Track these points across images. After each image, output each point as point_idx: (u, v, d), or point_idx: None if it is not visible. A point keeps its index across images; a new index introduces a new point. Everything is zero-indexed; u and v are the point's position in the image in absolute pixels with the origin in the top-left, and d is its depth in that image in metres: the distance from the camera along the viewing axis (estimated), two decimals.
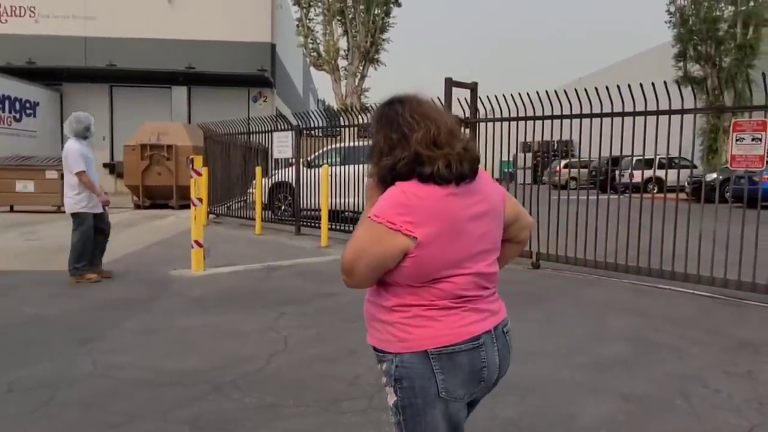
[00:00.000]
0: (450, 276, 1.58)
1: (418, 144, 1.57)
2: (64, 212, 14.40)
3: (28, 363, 3.95)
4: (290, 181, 11.49)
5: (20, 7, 21.37)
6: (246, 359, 4.05)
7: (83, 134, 6.63)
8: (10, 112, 19.63)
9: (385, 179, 1.61)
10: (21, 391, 3.48)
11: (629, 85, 6.43)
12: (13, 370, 3.80)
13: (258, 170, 11.31)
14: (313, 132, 11.55)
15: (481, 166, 1.68)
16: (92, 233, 6.56)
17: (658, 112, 6.35)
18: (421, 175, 1.55)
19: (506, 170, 13.93)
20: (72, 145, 6.52)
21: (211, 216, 12.94)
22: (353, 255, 1.56)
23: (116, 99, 22.70)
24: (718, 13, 22.78)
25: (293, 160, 11.34)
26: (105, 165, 22.40)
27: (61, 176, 14.51)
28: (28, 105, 20.67)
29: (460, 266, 1.58)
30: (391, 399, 1.63)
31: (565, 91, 6.74)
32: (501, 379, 1.75)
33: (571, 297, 6.15)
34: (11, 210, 14.48)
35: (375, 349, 1.68)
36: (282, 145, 11.50)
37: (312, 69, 24.31)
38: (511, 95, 7.86)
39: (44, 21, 21.35)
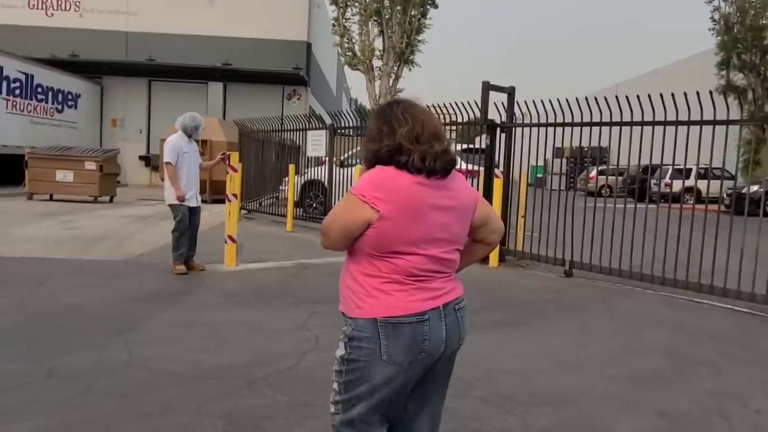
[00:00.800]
0: (405, 253, 1.83)
1: (402, 137, 1.85)
2: (101, 202, 14.78)
3: (67, 351, 4.03)
4: (322, 179, 11.55)
5: (66, 1, 21.92)
6: (278, 357, 4.08)
7: (190, 132, 6.79)
8: (52, 104, 20.13)
9: (370, 161, 1.91)
10: (60, 378, 3.56)
11: (672, 94, 6.29)
12: (53, 356, 3.89)
13: (291, 168, 11.39)
14: (346, 131, 11.60)
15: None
16: (186, 225, 6.73)
17: (701, 122, 6.21)
18: (398, 163, 1.84)
19: (538, 175, 13.81)
20: (173, 138, 6.74)
21: (243, 212, 13.07)
22: (330, 219, 1.88)
23: (154, 93, 23.13)
24: (764, 21, 22.19)
25: (326, 158, 11.39)
26: (141, 157, 22.85)
27: (100, 167, 14.88)
28: (70, 97, 21.17)
29: (416, 246, 1.83)
30: (339, 352, 1.90)
31: (605, 98, 6.64)
32: (455, 353, 1.97)
33: (604, 307, 6.06)
34: (51, 198, 14.83)
35: (343, 314, 1.93)
36: (315, 143, 11.57)
37: (346, 68, 24.37)
38: (549, 101, 7.78)
39: (88, 15, 21.86)
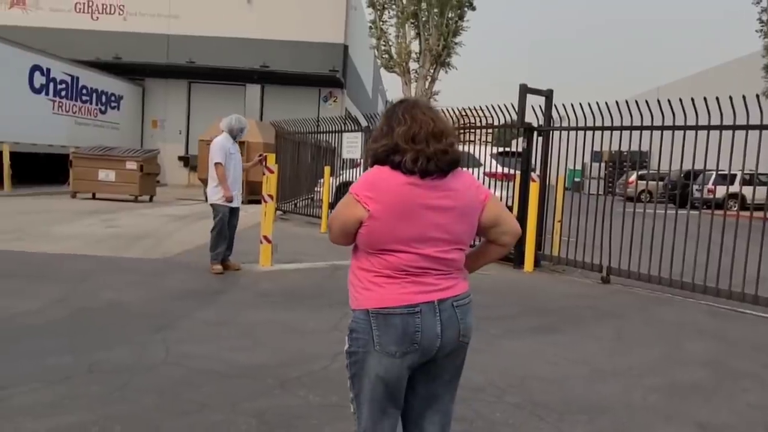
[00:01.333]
0: (396, 251, 1.86)
1: (398, 136, 1.88)
2: (141, 201, 15.12)
3: (108, 346, 4.13)
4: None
5: (111, 5, 22.52)
6: (311, 357, 4.10)
7: (236, 134, 6.92)
8: (96, 105, 20.70)
9: (370, 160, 1.96)
10: (100, 373, 3.65)
11: (717, 98, 6.12)
12: (93, 352, 3.99)
13: (326, 169, 11.46)
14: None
15: (459, 169, 1.95)
16: (225, 225, 6.84)
17: (747, 127, 6.03)
18: (392, 163, 1.87)
19: (575, 179, 13.59)
20: (220, 139, 6.85)
21: (278, 212, 13.20)
22: (332, 214, 1.96)
23: (194, 95, 23.57)
24: None
25: (361, 160, 11.44)
26: (180, 158, 23.29)
27: (140, 167, 15.23)
28: (113, 98, 21.74)
29: (407, 244, 1.86)
30: (345, 346, 1.96)
31: (647, 102, 6.50)
32: (459, 351, 1.97)
33: (643, 315, 5.92)
34: (93, 197, 15.23)
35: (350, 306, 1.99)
36: (351, 145, 11.62)
37: (382, 71, 24.44)
38: (588, 104, 7.66)
39: (131, 19, 22.41)
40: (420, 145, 1.86)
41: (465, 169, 2.03)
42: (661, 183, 18.54)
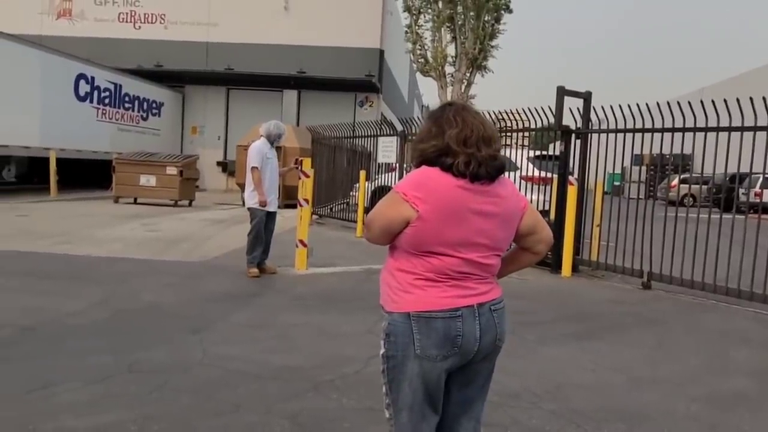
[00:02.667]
0: (441, 254, 1.84)
1: (450, 138, 1.86)
2: (181, 206, 15.42)
3: (147, 347, 4.22)
4: (393, 186, 11.58)
5: (152, 14, 23.09)
6: (345, 360, 4.10)
7: (274, 139, 7.01)
8: (138, 112, 21.24)
9: (417, 161, 1.94)
10: (140, 373, 3.72)
11: (764, 98, 5.92)
12: (133, 352, 4.07)
13: (362, 174, 11.50)
14: (415, 136, 11.60)
15: (503, 175, 1.94)
16: (262, 229, 6.93)
17: None
18: (443, 165, 1.85)
19: (615, 183, 13.33)
20: (257, 144, 6.95)
21: (314, 216, 13.30)
22: (373, 213, 1.92)
23: (232, 101, 23.97)
24: None
25: (396, 165, 11.44)
26: (218, 163, 23.70)
27: (180, 172, 15.54)
28: (154, 105, 22.27)
29: (452, 248, 1.84)
30: (381, 350, 1.93)
31: (689, 103, 6.33)
32: (493, 354, 1.97)
33: (685, 322, 5.76)
34: (135, 202, 15.61)
35: (382, 308, 1.96)
36: (387, 150, 11.63)
37: (418, 75, 24.44)
38: (628, 105, 7.50)
39: (172, 27, 22.94)
40: (471, 148, 1.84)
41: (506, 175, 2.01)
42: (704, 186, 18.06)
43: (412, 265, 1.88)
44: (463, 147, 1.84)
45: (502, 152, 2.06)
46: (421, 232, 1.82)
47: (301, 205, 7.54)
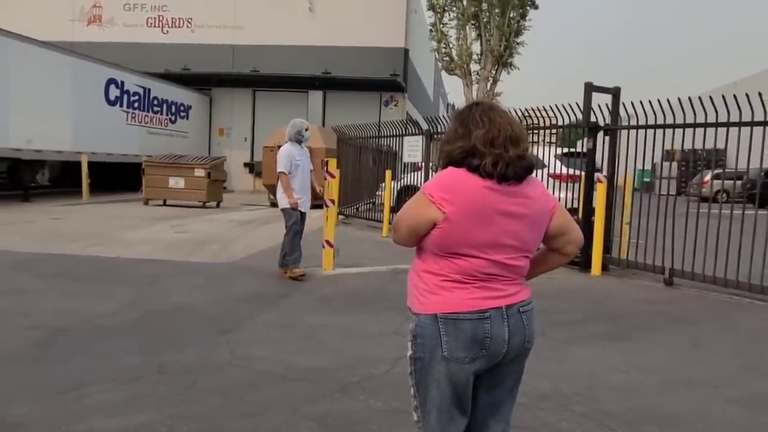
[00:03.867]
0: (468, 255, 1.82)
1: (477, 139, 1.83)
2: (209, 207, 15.60)
3: (175, 348, 4.26)
4: (419, 185, 11.55)
5: (179, 18, 23.39)
6: (372, 361, 4.09)
7: (296, 138, 7.02)
8: (166, 115, 21.55)
9: (444, 162, 1.92)
10: (169, 374, 3.76)
11: None
12: (162, 353, 4.12)
13: (387, 173, 11.48)
14: (442, 137, 11.54)
15: (531, 176, 1.90)
16: (299, 229, 6.94)
17: None
18: (470, 166, 1.82)
19: (645, 180, 13.08)
20: (284, 148, 6.97)
21: (340, 217, 13.33)
22: (400, 214, 1.91)
23: (258, 103, 24.16)
24: None
25: (422, 164, 11.39)
26: (245, 164, 23.92)
27: (208, 174, 15.72)
28: (182, 108, 22.57)
29: (480, 250, 1.82)
30: (408, 352, 1.92)
31: (723, 96, 6.17)
32: (522, 357, 1.94)
33: (719, 321, 5.62)
34: (164, 203, 15.83)
35: (409, 309, 1.95)
36: (412, 149, 11.60)
37: (443, 73, 24.32)
38: (658, 101, 7.34)
39: (199, 31, 23.21)
40: (499, 149, 1.82)
41: (534, 175, 1.97)
42: (738, 182, 17.63)
43: (439, 267, 1.86)
44: (490, 148, 1.82)
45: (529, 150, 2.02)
46: (447, 233, 1.81)
47: (327, 206, 7.55)
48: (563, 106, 8.19)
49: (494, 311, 1.84)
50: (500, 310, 1.85)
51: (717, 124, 6.63)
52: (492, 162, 1.80)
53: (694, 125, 6.85)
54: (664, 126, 7.16)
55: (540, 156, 8.48)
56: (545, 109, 8.74)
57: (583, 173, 7.97)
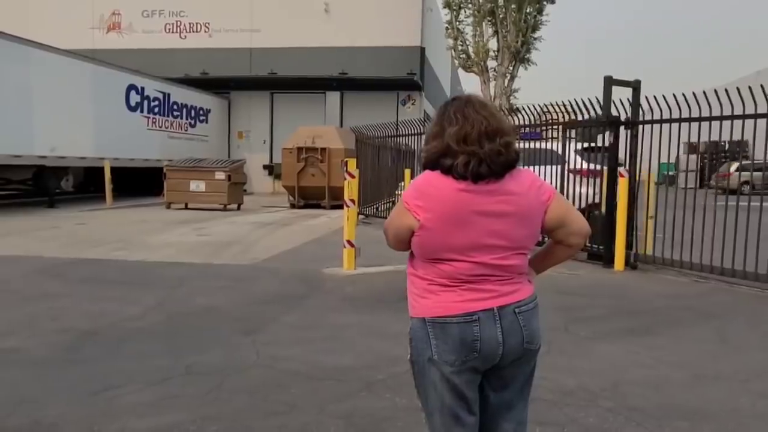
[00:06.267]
0: (451, 259, 1.78)
1: (450, 137, 1.76)
2: (229, 210, 15.72)
3: (202, 349, 4.31)
4: None
5: (197, 23, 23.65)
6: (395, 360, 4.09)
7: None
8: (186, 119, 21.78)
9: (423, 165, 1.86)
10: (197, 375, 3.81)
11: None
12: (189, 354, 4.17)
13: (407, 172, 11.49)
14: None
15: (518, 168, 1.83)
16: None
17: None
18: (443, 167, 1.76)
19: (667, 173, 12.91)
20: None
21: (361, 216, 13.36)
22: (387, 222, 1.91)
23: (276, 105, 24.33)
24: None
25: None
26: (264, 167, 24.09)
27: (228, 177, 15.87)
28: (201, 112, 22.80)
29: (462, 253, 1.77)
30: (407, 355, 1.92)
31: (749, 87, 6.07)
32: (527, 358, 1.88)
33: (748, 315, 5.54)
34: (186, 207, 16.01)
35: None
36: None
37: (460, 71, 24.26)
38: (683, 94, 7.23)
39: (216, 35, 23.43)
40: (472, 146, 1.74)
41: (525, 167, 1.89)
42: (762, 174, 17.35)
43: (425, 272, 1.85)
44: (463, 145, 1.74)
45: (549, 145, 1.99)
46: (425, 240, 1.79)
47: (347, 206, 7.59)
48: (582, 101, 8.11)
49: (483, 313, 1.79)
50: (491, 312, 1.79)
51: (745, 117, 6.50)
52: (464, 162, 1.73)
53: (719, 118, 6.74)
54: (689, 119, 7.04)
55: (560, 151, 8.42)
56: (564, 105, 8.68)
57: (605, 168, 7.90)
